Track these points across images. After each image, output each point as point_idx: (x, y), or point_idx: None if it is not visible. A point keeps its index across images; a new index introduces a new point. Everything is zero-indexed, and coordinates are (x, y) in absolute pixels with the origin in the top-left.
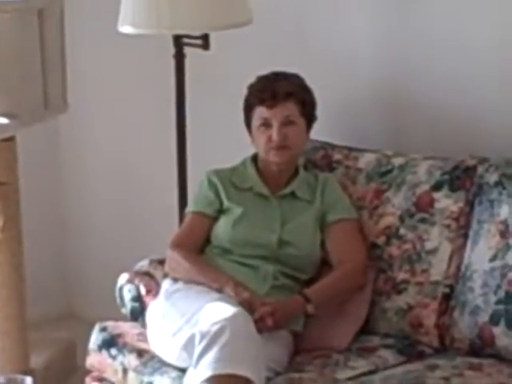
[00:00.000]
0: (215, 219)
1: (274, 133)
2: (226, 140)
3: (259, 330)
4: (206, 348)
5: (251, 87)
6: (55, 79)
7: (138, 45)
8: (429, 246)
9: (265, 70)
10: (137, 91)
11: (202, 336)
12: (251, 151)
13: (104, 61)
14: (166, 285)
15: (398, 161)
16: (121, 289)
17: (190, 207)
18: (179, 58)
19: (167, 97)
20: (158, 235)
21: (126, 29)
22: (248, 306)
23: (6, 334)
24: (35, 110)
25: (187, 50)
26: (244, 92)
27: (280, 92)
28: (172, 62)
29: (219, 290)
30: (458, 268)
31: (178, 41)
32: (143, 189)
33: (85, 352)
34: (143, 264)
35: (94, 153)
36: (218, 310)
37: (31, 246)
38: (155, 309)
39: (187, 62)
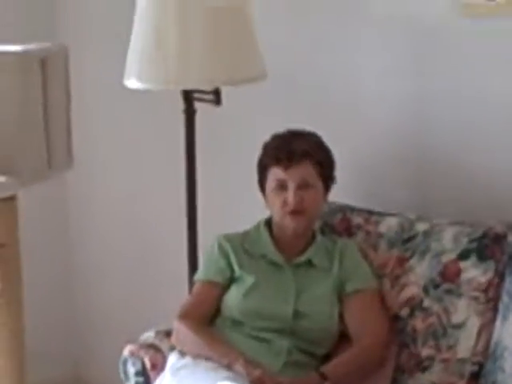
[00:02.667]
0: (226, 288)
1: (290, 196)
2: (239, 201)
3: None
4: None
5: (266, 146)
6: (59, 133)
7: (147, 98)
8: (455, 319)
9: (279, 128)
10: (146, 147)
11: None
12: (265, 214)
13: (112, 114)
14: (172, 359)
15: (421, 226)
16: (125, 362)
17: (199, 275)
18: (189, 113)
19: (177, 153)
20: (167, 299)
21: (131, 83)
22: None
23: None
24: (37, 168)
25: (198, 105)
26: (258, 150)
27: (296, 152)
28: (182, 117)
29: (229, 367)
30: (487, 344)
31: (188, 96)
32: (153, 252)
33: None
34: (149, 335)
35: (101, 211)
36: None
37: (36, 307)
38: None
39: (198, 118)
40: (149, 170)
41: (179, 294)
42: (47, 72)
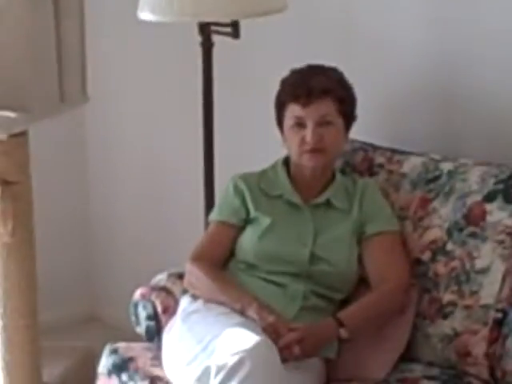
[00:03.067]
0: (241, 229)
1: (309, 134)
2: (257, 138)
3: (285, 359)
4: (223, 383)
5: (284, 82)
6: (73, 68)
7: (164, 31)
8: (479, 264)
9: (300, 63)
10: (162, 82)
11: (219, 369)
12: (284, 152)
13: (127, 49)
14: (184, 303)
15: (446, 166)
16: (135, 305)
17: (214, 215)
18: (206, 46)
19: (194, 88)
20: (184, 239)
21: (145, 15)
22: (273, 331)
23: (17, 345)
24: (49, 103)
25: (215, 38)
26: (277, 86)
27: (316, 88)
28: (199, 51)
29: (241, 312)
30: None
31: (205, 28)
32: (170, 191)
33: None
34: (161, 278)
35: (119, 150)
36: (238, 338)
37: (51, 246)
38: (171, 331)
39: (215, 51)
40: (165, 106)
41: (195, 234)
42: (60, 2)
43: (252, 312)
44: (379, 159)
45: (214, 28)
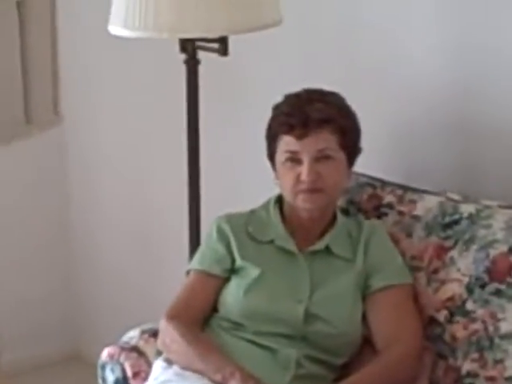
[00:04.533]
0: (225, 281)
1: (304, 171)
2: (248, 171)
3: None
4: None
5: (276, 109)
6: (42, 85)
7: (144, 46)
8: (505, 327)
9: (296, 85)
10: (143, 104)
11: None
12: (278, 188)
13: (106, 65)
14: (156, 369)
15: (467, 208)
16: (103, 367)
17: (194, 263)
18: (191, 64)
19: (178, 111)
20: (169, 276)
21: (116, 30)
22: None
23: None
24: (10, 126)
25: (201, 54)
26: (270, 110)
27: (313, 117)
28: (183, 69)
29: None
30: None
31: (189, 44)
32: (154, 216)
33: None
34: (132, 335)
35: (100, 177)
36: None
37: (33, 279)
38: None
39: (201, 69)
40: (147, 131)
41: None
42: (27, 16)
43: None
44: (388, 198)
45: (199, 44)
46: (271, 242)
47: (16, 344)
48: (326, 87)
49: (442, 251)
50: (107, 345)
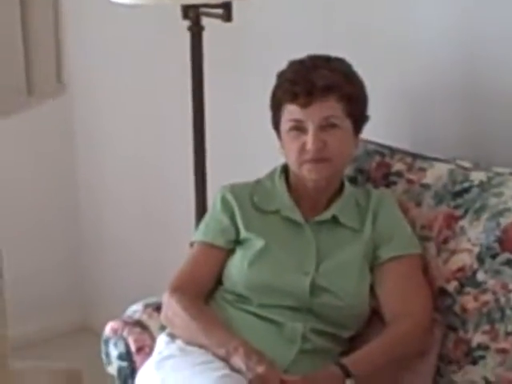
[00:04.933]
0: (230, 252)
1: (309, 140)
2: (254, 139)
3: None
4: None
5: (280, 77)
6: (44, 55)
7: (149, 13)
8: None
9: (302, 52)
10: (148, 72)
11: None
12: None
13: (110, 34)
14: (160, 344)
15: (477, 176)
16: (106, 342)
17: (198, 235)
18: (195, 31)
19: (182, 78)
20: (175, 245)
21: None
22: None
23: None
24: (12, 97)
25: (205, 21)
26: (275, 78)
27: (317, 84)
28: (187, 36)
29: (226, 359)
30: None
31: (192, 11)
32: (160, 190)
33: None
34: (135, 309)
35: (104, 139)
36: None
37: (42, 250)
38: (143, 379)
39: (205, 37)
40: (151, 101)
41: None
42: None
43: (238, 360)
44: (397, 166)
45: (202, 10)
46: (277, 212)
47: (24, 316)
48: (333, 53)
49: (451, 220)
50: (115, 316)
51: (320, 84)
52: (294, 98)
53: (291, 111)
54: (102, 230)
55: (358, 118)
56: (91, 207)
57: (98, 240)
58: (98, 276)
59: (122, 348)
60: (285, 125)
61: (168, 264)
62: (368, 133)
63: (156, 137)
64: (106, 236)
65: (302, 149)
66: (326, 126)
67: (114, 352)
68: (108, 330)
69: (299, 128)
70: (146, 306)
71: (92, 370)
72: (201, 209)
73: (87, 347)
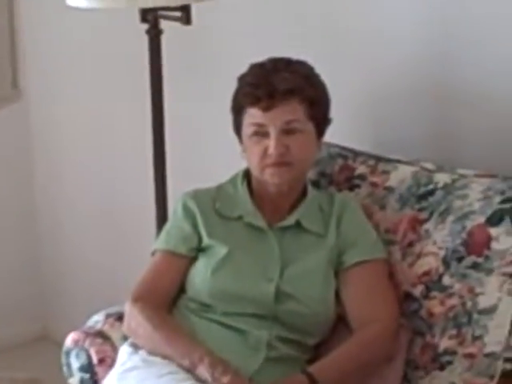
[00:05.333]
0: (192, 260)
1: (271, 145)
2: (215, 143)
3: None
4: None
5: (241, 80)
6: None
7: (106, 16)
8: (483, 302)
9: (262, 55)
10: (106, 77)
11: None
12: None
13: (67, 38)
14: (122, 355)
15: (442, 178)
16: (67, 353)
17: (159, 243)
18: (153, 34)
19: (141, 83)
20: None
21: (73, 1)
22: None
23: None
24: None
25: (163, 24)
26: (235, 81)
27: (279, 88)
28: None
29: (191, 370)
30: None
31: (151, 13)
32: (119, 197)
33: None
34: (97, 319)
35: (61, 144)
36: None
37: (2, 254)
38: None
39: (164, 40)
40: (110, 104)
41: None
42: None
43: (203, 370)
44: (361, 169)
45: (161, 13)
46: (239, 218)
47: None
48: (294, 55)
49: (416, 223)
50: (75, 325)
51: (281, 87)
52: (255, 102)
53: (253, 115)
54: (61, 238)
55: (321, 121)
56: (49, 215)
57: (57, 248)
58: (58, 284)
59: (83, 359)
60: (246, 129)
61: (129, 272)
62: (331, 135)
63: (114, 142)
64: (65, 244)
65: (264, 153)
66: (288, 129)
67: (75, 364)
68: (69, 341)
69: (261, 132)
70: (108, 316)
71: (52, 380)
72: (161, 216)
73: (47, 357)
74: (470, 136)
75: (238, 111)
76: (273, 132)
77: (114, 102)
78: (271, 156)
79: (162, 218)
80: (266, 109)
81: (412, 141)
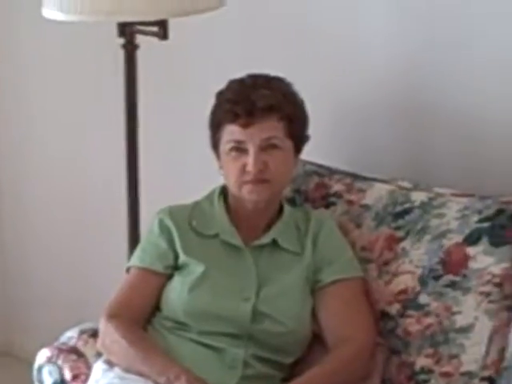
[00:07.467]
0: (168, 278)
1: (250, 161)
2: (190, 160)
3: None
4: None
5: (220, 96)
6: None
7: (82, 30)
8: (460, 321)
9: (238, 71)
10: (81, 91)
11: None
12: (222, 179)
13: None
14: (97, 372)
15: (418, 197)
16: (39, 370)
17: (134, 260)
18: (129, 49)
19: (116, 99)
20: (107, 270)
21: (50, 13)
22: None
23: None
24: None
25: (140, 39)
26: (213, 97)
27: (258, 104)
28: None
29: None
30: (501, 355)
31: (127, 28)
32: (91, 213)
33: None
34: (70, 336)
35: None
36: None
37: None
38: None
39: (140, 54)
40: (84, 120)
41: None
42: None
43: None
44: (337, 186)
45: (138, 28)
46: (216, 236)
47: None
48: (271, 72)
49: (393, 242)
50: (41, 341)
51: (260, 104)
52: (234, 119)
53: (231, 131)
54: (30, 251)
55: (299, 138)
56: (17, 227)
57: (25, 259)
58: (24, 300)
59: (56, 376)
60: (225, 145)
61: (100, 288)
62: (307, 153)
63: (88, 157)
64: (34, 255)
65: (243, 170)
66: (266, 146)
67: (48, 380)
68: (41, 357)
69: (239, 149)
70: (82, 333)
71: None
72: (134, 232)
73: (11, 373)
74: (447, 155)
75: (216, 127)
76: (251, 149)
77: (89, 115)
78: (249, 173)
79: (134, 235)
80: (245, 125)
81: (389, 160)
